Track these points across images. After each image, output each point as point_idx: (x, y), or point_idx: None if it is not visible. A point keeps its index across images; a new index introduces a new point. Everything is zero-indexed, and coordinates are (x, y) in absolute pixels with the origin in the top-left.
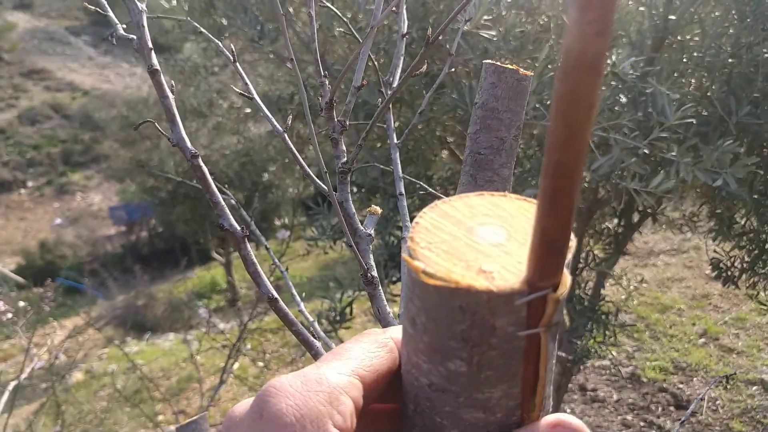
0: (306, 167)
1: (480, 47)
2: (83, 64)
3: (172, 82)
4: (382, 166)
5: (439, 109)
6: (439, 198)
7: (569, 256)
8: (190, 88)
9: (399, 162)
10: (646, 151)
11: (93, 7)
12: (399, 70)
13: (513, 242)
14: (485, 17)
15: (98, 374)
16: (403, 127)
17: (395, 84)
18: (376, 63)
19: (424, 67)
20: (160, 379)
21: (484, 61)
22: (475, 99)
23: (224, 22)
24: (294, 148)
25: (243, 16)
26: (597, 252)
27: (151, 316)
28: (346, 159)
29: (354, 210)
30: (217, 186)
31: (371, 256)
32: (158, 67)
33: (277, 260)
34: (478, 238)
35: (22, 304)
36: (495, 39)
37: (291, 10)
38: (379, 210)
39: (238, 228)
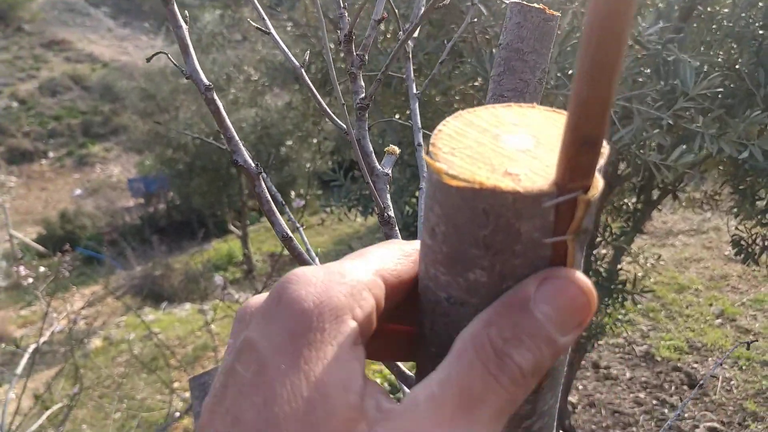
0: (323, 104)
1: (501, 13)
2: (103, 35)
3: (186, 12)
4: (401, 121)
5: (456, 78)
6: None
7: (602, 160)
8: (209, 56)
9: (418, 112)
10: (670, 122)
11: None
12: (421, 11)
13: (541, 149)
14: None
15: (116, 341)
16: (422, 97)
17: (415, 34)
18: (396, 11)
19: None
20: (176, 347)
21: (509, 1)
22: (499, 40)
23: None
24: (312, 86)
25: None
26: (615, 229)
27: (168, 286)
28: (364, 94)
29: (371, 148)
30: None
31: (388, 196)
32: None
33: (293, 217)
34: (505, 145)
35: (42, 269)
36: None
37: None
38: (397, 150)
39: (253, 164)
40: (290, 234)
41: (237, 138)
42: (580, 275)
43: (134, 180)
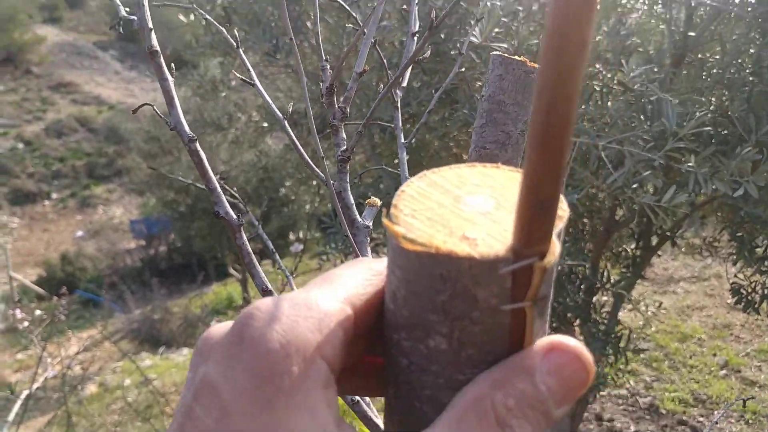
0: (305, 155)
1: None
2: (110, 78)
3: (173, 65)
4: (390, 169)
5: (452, 124)
6: None
7: (560, 224)
8: (209, 102)
9: (406, 162)
10: (662, 162)
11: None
12: (408, 70)
13: (502, 211)
14: (496, 30)
15: (111, 387)
16: (416, 144)
17: (404, 83)
18: (381, 55)
19: (428, 53)
20: (172, 394)
21: (491, 53)
22: (482, 92)
23: (240, 35)
24: (293, 135)
25: (258, 30)
26: (614, 276)
27: (166, 331)
28: (345, 147)
29: (353, 200)
30: (236, 201)
31: (368, 249)
32: (158, 48)
33: (283, 266)
34: (465, 207)
35: (38, 312)
36: (508, 52)
37: (308, 23)
38: (378, 202)
39: (234, 216)
40: (270, 287)
41: (219, 190)
42: (584, 349)
43: (136, 221)
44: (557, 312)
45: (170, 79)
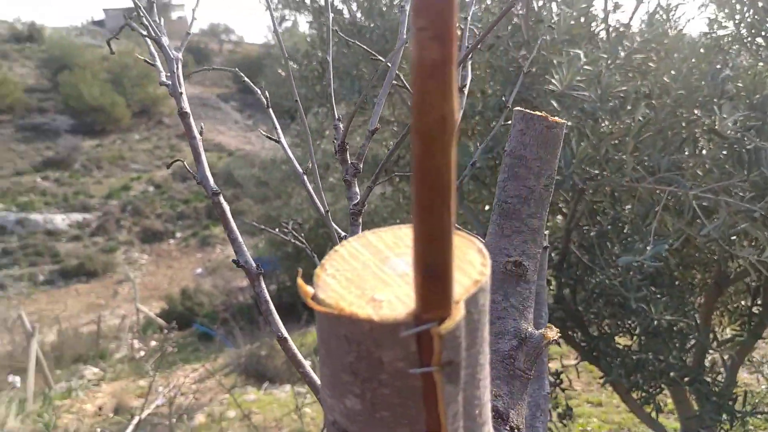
0: (321, 208)
1: (576, 107)
2: (230, 127)
3: (202, 124)
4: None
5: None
6: None
7: (473, 289)
8: (307, 152)
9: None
10: (763, 212)
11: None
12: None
13: None
14: (578, 78)
15: (218, 419)
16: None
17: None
18: (406, 99)
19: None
20: (272, 429)
21: (514, 109)
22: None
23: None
24: (310, 188)
25: (347, 82)
26: (730, 332)
27: (271, 367)
28: (357, 201)
29: None
30: (299, 242)
31: None
32: (188, 110)
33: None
34: (388, 268)
35: (153, 343)
36: (591, 99)
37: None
38: None
39: (254, 265)
40: (286, 335)
41: (240, 240)
42: None
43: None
44: (658, 370)
45: (198, 137)
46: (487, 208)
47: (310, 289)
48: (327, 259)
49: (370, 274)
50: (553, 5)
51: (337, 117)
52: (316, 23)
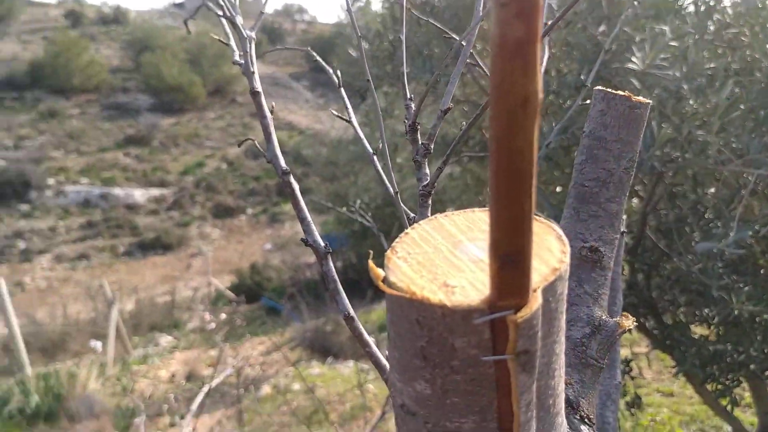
0: (391, 188)
1: (659, 86)
2: (301, 106)
3: (273, 103)
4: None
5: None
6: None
7: (552, 277)
8: (376, 132)
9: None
10: None
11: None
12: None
13: None
14: (662, 56)
15: (283, 390)
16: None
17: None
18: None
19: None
20: (335, 403)
21: (594, 88)
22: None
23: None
24: (380, 168)
25: (419, 62)
26: None
27: (336, 342)
28: (427, 182)
29: None
30: (366, 221)
31: None
32: (260, 89)
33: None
34: (461, 253)
35: (223, 316)
36: (675, 78)
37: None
38: None
39: (322, 244)
40: (353, 314)
41: (309, 219)
42: None
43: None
44: (737, 362)
45: (269, 116)
46: (558, 189)
47: (380, 272)
48: (398, 242)
49: (441, 259)
50: None
51: (408, 96)
52: (388, 2)
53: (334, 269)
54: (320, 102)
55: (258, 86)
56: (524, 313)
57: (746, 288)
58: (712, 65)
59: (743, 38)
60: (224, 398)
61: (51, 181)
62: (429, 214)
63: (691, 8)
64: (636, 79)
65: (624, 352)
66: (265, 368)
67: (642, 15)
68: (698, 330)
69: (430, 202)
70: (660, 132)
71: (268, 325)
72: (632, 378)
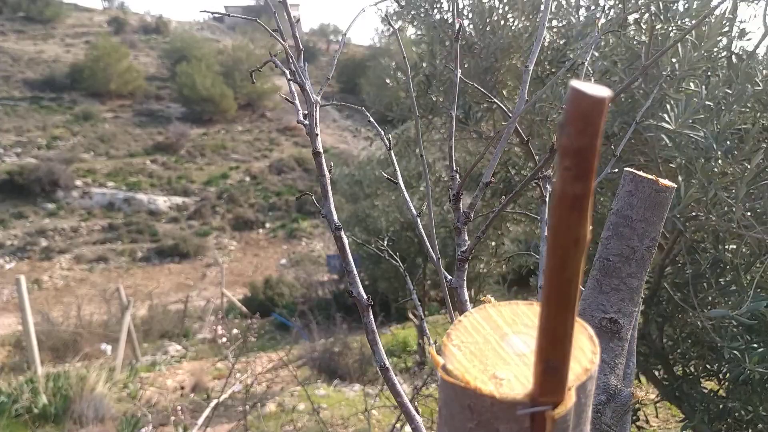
0: (431, 251)
1: (689, 146)
2: (328, 125)
3: (332, 162)
4: (533, 216)
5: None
6: None
7: (584, 377)
8: (403, 159)
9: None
10: None
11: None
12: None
13: None
14: (695, 117)
15: (287, 410)
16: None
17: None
18: (535, 154)
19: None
20: (338, 426)
21: (624, 169)
22: (612, 204)
23: (436, 99)
24: (423, 233)
25: (452, 97)
26: None
27: (343, 364)
28: (465, 248)
29: (467, 297)
30: (394, 260)
31: None
32: (321, 150)
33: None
34: (507, 346)
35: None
36: (705, 139)
37: (504, 92)
38: (493, 300)
39: (365, 297)
40: (387, 365)
41: (355, 272)
42: None
43: (332, 257)
44: (745, 420)
45: (327, 175)
46: None
47: (440, 359)
48: (453, 329)
49: (490, 350)
50: (677, 35)
51: (454, 168)
52: (428, 37)
53: (373, 321)
54: (347, 123)
55: (320, 147)
56: (560, 411)
57: (760, 349)
58: (743, 126)
59: None
60: (228, 412)
61: (78, 182)
62: (465, 278)
63: (724, 62)
64: (667, 136)
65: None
66: (271, 385)
67: (680, 75)
68: (708, 384)
69: (466, 266)
70: (687, 192)
71: (276, 341)
72: (638, 428)
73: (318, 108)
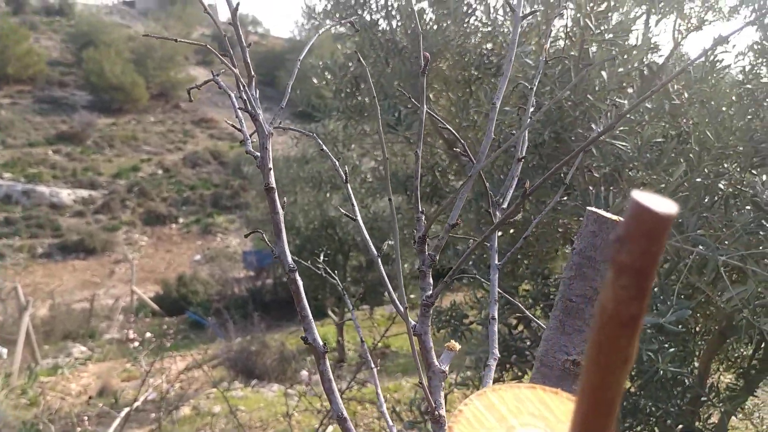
0: (393, 294)
1: (612, 156)
2: (246, 117)
3: (285, 199)
4: (483, 280)
5: (563, 210)
6: (529, 320)
7: None
8: (327, 161)
9: (497, 283)
10: None
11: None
12: (510, 192)
13: None
14: (621, 128)
15: (203, 413)
16: (520, 222)
17: (504, 205)
18: (487, 185)
19: (519, 215)
20: (257, 429)
21: (587, 208)
22: (574, 244)
23: (363, 100)
24: (385, 274)
25: (384, 103)
26: (726, 381)
27: (260, 364)
28: (431, 293)
29: (432, 344)
30: (331, 277)
31: (441, 393)
32: (273, 186)
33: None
34: None
35: (148, 334)
36: (629, 150)
37: (431, 95)
38: (457, 346)
39: (321, 344)
40: (345, 415)
41: (311, 317)
42: None
43: (249, 253)
44: (656, 416)
45: (281, 213)
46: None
47: None
48: (454, 421)
49: None
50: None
51: (420, 210)
52: (357, 38)
53: (330, 369)
54: (267, 116)
55: (272, 182)
56: None
57: (671, 350)
58: (661, 140)
59: (681, 108)
60: (139, 416)
61: None
62: (429, 324)
63: (636, 74)
64: (594, 146)
65: None
66: (185, 387)
67: (608, 88)
68: None
69: (431, 312)
70: (613, 202)
71: (191, 340)
72: None
73: (271, 140)
